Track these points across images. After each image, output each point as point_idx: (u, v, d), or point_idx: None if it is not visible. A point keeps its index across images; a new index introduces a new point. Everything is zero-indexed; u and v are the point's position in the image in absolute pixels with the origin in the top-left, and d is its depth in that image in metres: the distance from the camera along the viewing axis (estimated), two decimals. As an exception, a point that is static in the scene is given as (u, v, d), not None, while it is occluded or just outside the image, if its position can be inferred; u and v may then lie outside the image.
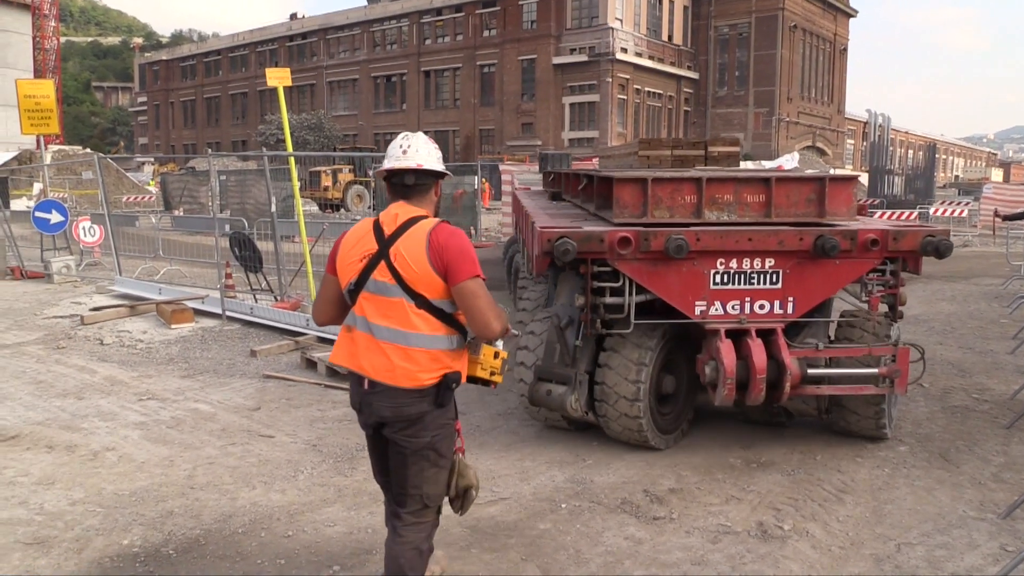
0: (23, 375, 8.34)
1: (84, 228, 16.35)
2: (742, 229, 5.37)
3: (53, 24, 70.89)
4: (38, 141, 26.87)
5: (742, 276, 5.47)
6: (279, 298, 11.70)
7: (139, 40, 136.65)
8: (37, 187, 30.90)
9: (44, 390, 7.75)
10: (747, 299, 5.47)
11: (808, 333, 5.75)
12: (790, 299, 5.48)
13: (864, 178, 38.83)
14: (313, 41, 76.75)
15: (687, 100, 67.97)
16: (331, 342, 9.50)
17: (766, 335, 5.48)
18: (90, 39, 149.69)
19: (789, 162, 42.91)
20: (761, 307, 5.49)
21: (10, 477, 5.55)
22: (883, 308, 5.81)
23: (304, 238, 11.11)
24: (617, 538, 4.59)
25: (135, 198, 36.90)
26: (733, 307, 5.48)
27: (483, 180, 26.44)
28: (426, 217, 3.32)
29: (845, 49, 77.15)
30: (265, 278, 12.11)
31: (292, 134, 11.83)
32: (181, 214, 27.72)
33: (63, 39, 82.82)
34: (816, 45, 71.37)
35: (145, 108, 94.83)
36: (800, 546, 4.48)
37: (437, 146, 3.55)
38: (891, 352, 5.53)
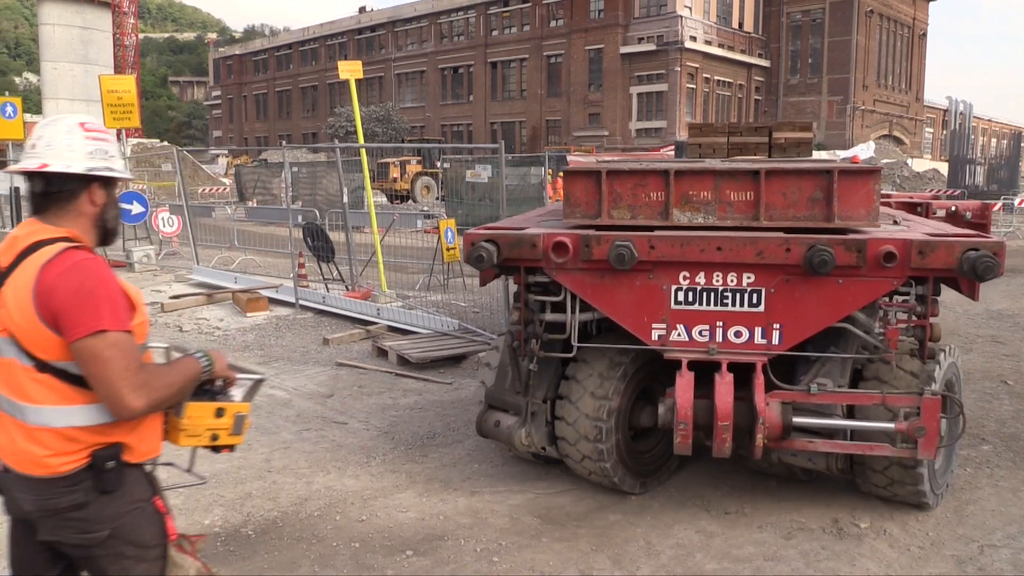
0: (108, 360, 8.67)
1: (163, 218, 16.90)
2: (712, 235, 4.37)
3: (132, 21, 73.33)
4: (118, 134, 27.85)
5: (712, 295, 4.42)
6: (350, 287, 11.92)
7: (213, 35, 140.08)
8: (119, 179, 31.93)
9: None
10: (719, 324, 4.44)
11: (819, 372, 4.54)
12: (775, 326, 4.37)
13: (944, 168, 37.56)
14: (381, 34, 77.58)
15: (758, 89, 66.62)
16: (402, 331, 9.64)
17: (745, 371, 4.41)
18: (167, 35, 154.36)
19: (864, 152, 41.80)
20: (737, 335, 4.43)
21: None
22: (909, 344, 4.64)
23: (375, 228, 11.30)
24: (688, 531, 4.56)
25: (210, 189, 37.96)
26: (701, 333, 4.47)
27: (548, 171, 26.39)
28: (60, 241, 2.30)
29: (924, 34, 74.52)
30: (337, 268, 12.34)
31: (361, 126, 12.02)
32: (255, 205, 28.43)
33: (141, 35, 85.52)
34: (893, 30, 69.12)
35: (219, 102, 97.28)
36: (877, 545, 4.38)
37: (104, 133, 2.46)
38: (914, 403, 4.23)
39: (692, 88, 59.67)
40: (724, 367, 4.39)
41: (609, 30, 60.43)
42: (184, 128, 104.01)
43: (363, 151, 11.57)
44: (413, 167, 33.57)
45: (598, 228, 4.60)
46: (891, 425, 4.25)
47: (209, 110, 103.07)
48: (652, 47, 58.43)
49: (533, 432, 4.87)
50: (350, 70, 10.66)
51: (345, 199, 12.02)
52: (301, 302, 11.21)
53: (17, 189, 17.87)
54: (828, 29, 63.44)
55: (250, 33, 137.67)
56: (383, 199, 31.40)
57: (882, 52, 67.43)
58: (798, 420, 4.36)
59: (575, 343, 4.69)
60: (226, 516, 4.79)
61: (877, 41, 66.17)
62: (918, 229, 4.72)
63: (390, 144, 49.54)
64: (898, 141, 67.98)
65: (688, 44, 58.09)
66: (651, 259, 4.40)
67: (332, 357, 8.67)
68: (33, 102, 71.19)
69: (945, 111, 59.28)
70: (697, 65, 59.59)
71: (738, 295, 4.40)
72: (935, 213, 6.88)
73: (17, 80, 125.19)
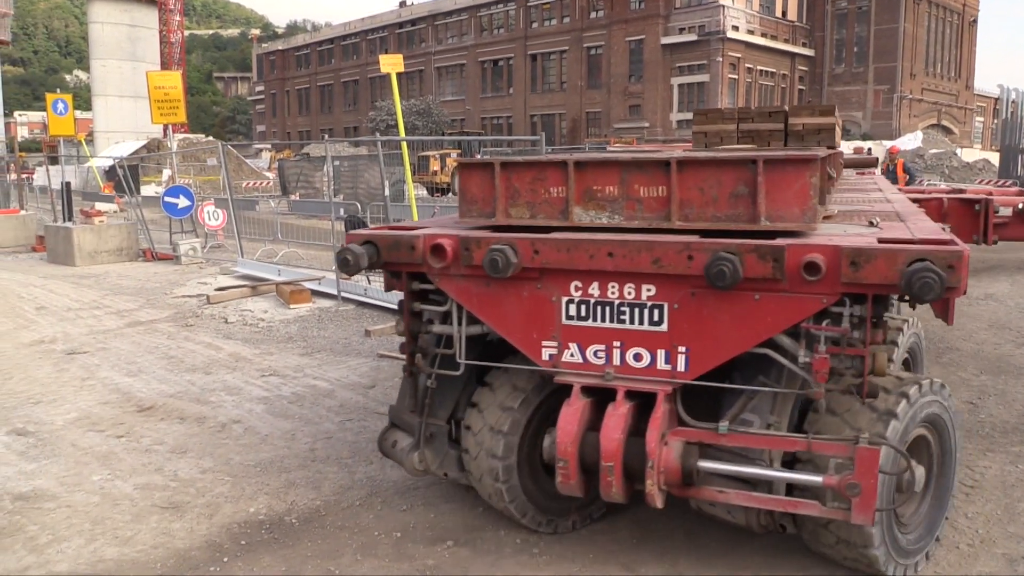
0: (156, 350, 8.86)
1: (208, 212, 17.18)
2: (604, 238, 3.71)
3: (178, 19, 74.61)
4: (165, 130, 28.42)
5: (608, 309, 3.78)
6: (391, 280, 12.00)
7: (256, 31, 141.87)
8: (166, 173, 32.62)
9: (175, 365, 8.21)
10: (616, 344, 3.80)
11: (745, 407, 3.78)
12: (680, 350, 3.67)
13: (994, 158, 36.62)
14: (421, 28, 77.85)
15: (801, 79, 65.57)
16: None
17: (646, 400, 3.76)
18: (211, 32, 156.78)
19: (911, 142, 40.99)
20: (637, 358, 3.77)
21: (147, 445, 5.92)
22: (850, 378, 3.60)
23: (416, 221, 11.35)
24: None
25: (254, 183, 38.51)
26: (596, 354, 3.84)
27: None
28: None
29: (975, 21, 72.66)
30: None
31: (402, 120, 12.09)
32: (297, 198, 28.78)
33: (186, 32, 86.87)
34: (943, 17, 67.51)
35: (263, 97, 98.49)
36: (925, 541, 4.30)
37: None
38: (846, 453, 3.38)
39: (734, 78, 58.94)
40: (620, 396, 3.77)
41: (650, 20, 59.93)
42: (228, 123, 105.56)
43: (404, 144, 11.64)
44: (453, 160, 33.69)
45: (495, 229, 4.08)
46: (818, 479, 3.44)
47: (252, 105, 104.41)
48: (693, 37, 57.83)
49: (429, 456, 4.44)
50: (391, 64, 10.73)
51: (386, 192, 12.11)
52: (343, 294, 11.32)
53: (68, 184, 18.31)
54: (875, 16, 62.18)
55: (292, 29, 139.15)
56: (424, 192, 31.57)
57: (931, 39, 65.91)
58: (705, 465, 3.67)
59: (461, 359, 4.19)
60: (270, 504, 4.86)
61: (925, 28, 64.70)
62: (894, 232, 3.73)
63: (431, 137, 49.75)
64: (947, 131, 66.40)
65: (730, 34, 57.40)
66: (536, 265, 3.81)
67: (374, 348, 8.75)
68: (83, 99, 72.81)
69: (996, 99, 57.67)
70: (739, 55, 58.84)
71: (636, 311, 3.73)
72: (997, 212, 6.42)
73: (68, 77, 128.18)
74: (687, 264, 3.50)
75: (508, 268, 3.75)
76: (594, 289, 3.80)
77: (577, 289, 3.83)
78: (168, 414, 6.64)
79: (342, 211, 13.83)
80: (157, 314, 10.97)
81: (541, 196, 4.01)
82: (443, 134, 53.79)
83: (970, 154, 44.52)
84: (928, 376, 3.84)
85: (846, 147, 31.65)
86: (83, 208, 20.49)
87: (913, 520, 3.98)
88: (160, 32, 72.19)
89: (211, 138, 59.72)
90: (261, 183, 38.78)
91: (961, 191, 7.20)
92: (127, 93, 67.43)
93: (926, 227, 3.88)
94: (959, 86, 71.28)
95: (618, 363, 3.81)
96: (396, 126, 11.85)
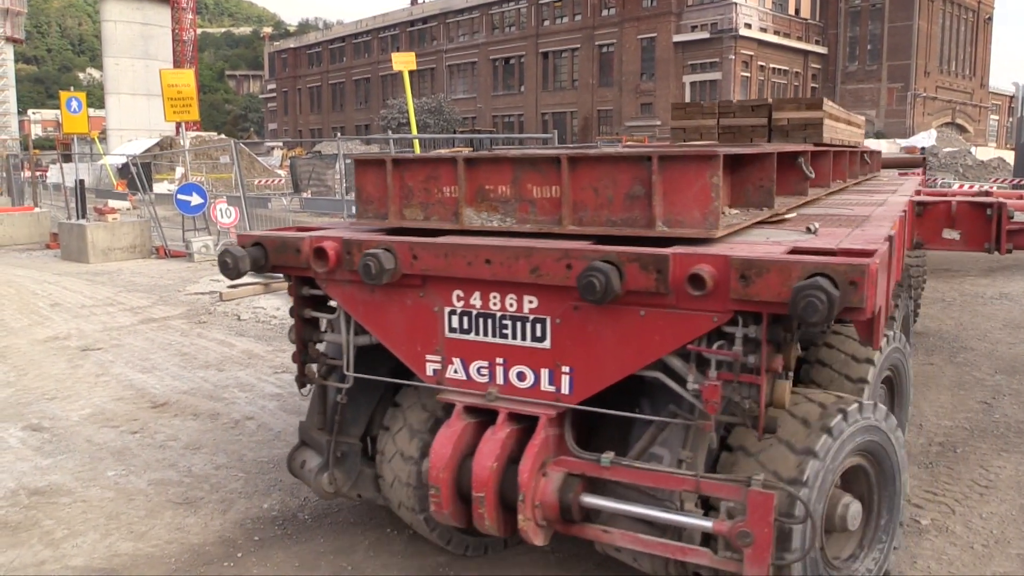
0: (169, 347, 8.91)
1: (221, 209, 17.22)
2: (482, 244, 3.37)
3: (190, 17, 74.89)
4: (177, 128, 28.60)
5: (490, 322, 3.45)
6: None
7: (268, 29, 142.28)
8: (179, 171, 32.75)
9: (188, 361, 8.25)
10: (499, 361, 3.47)
11: (655, 438, 3.35)
12: (564, 369, 3.32)
13: (1009, 156, 36.37)
14: (433, 26, 77.89)
15: (814, 76, 65.27)
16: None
17: (530, 424, 3.40)
18: (223, 30, 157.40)
19: (925, 140, 40.76)
20: (520, 377, 3.43)
21: (161, 441, 5.96)
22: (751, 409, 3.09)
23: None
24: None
25: (266, 181, 38.59)
26: (480, 371, 3.52)
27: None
28: None
29: (990, 18, 72.18)
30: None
31: (414, 117, 12.10)
32: (309, 196, 28.83)
33: (199, 31, 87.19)
34: (957, 15, 67.07)
35: (274, 95, 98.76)
36: (939, 542, 4.28)
37: None
38: (738, 496, 2.99)
39: (746, 76, 58.75)
40: (501, 418, 3.43)
41: (662, 18, 59.79)
42: (240, 121, 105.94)
43: (416, 142, 11.67)
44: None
45: (390, 231, 3.84)
46: (708, 524, 3.04)
47: (264, 103, 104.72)
48: (706, 35, 57.67)
49: (340, 477, 4.14)
50: (404, 61, 10.75)
51: (398, 190, 12.13)
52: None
53: (82, 181, 18.40)
54: (888, 14, 61.85)
55: (304, 27, 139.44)
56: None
57: (945, 37, 65.50)
58: (588, 500, 3.31)
59: (349, 372, 3.93)
60: (284, 500, 4.88)
61: (940, 26, 64.29)
62: (823, 241, 3.26)
63: (442, 135, 49.77)
64: (961, 129, 66.00)
65: (743, 31, 57.21)
66: (416, 272, 3.51)
67: (385, 346, 8.77)
68: (96, 97, 73.23)
69: (1011, 97, 57.37)
70: (752, 53, 58.63)
71: (519, 325, 3.39)
72: (1012, 218, 5.70)
73: (81, 76, 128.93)
74: (566, 274, 3.13)
75: (383, 274, 3.44)
76: (476, 299, 3.47)
77: (459, 299, 3.51)
78: (182, 410, 6.67)
79: (354, 209, 13.86)
80: (170, 311, 11.03)
81: (434, 196, 3.73)
82: (454, 132, 53.81)
83: (985, 152, 44.21)
84: (857, 400, 3.42)
85: (873, 144, 31.39)
86: (96, 205, 20.61)
87: (850, 562, 3.53)
88: (172, 30, 72.50)
89: (223, 136, 59.94)
90: (273, 181, 38.85)
91: (987, 193, 6.61)
92: (140, 91, 67.79)
93: (871, 235, 3.41)
94: (974, 84, 70.80)
95: (501, 382, 3.48)
96: (408, 124, 11.88)
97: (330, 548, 4.30)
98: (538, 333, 3.35)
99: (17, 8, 78.02)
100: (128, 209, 26.75)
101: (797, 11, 63.76)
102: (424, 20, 78.98)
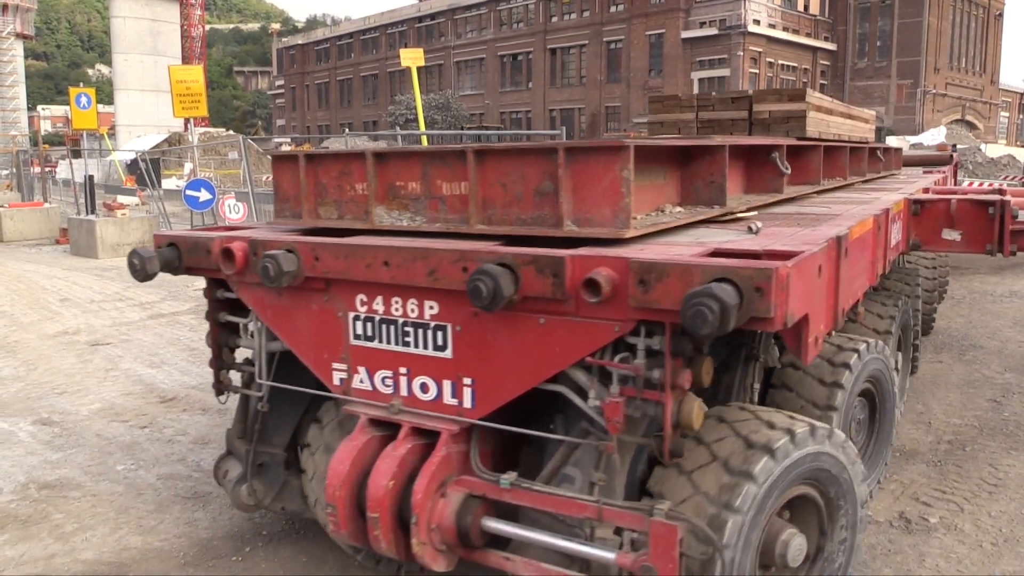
0: (178, 342, 8.94)
1: (229, 205, 17.26)
2: (383, 244, 3.13)
3: (199, 13, 75.08)
4: (186, 124, 28.67)
5: (392, 328, 3.21)
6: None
7: (276, 26, 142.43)
8: (188, 167, 32.83)
9: (197, 357, 8.28)
10: (402, 370, 3.22)
11: (568, 458, 3.05)
12: (466, 381, 3.07)
13: (1020, 153, 36.19)
14: (441, 22, 77.85)
15: (823, 73, 65.01)
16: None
17: (434, 440, 3.15)
18: (232, 26, 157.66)
19: (934, 137, 40.54)
20: (424, 389, 3.18)
21: (169, 436, 5.98)
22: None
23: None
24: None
25: (274, 177, 38.62)
26: (385, 381, 3.28)
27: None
28: None
29: (1001, 15, 71.74)
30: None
31: (422, 113, 12.12)
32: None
33: (207, 27, 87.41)
34: (968, 11, 66.68)
35: (282, 91, 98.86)
36: (947, 541, 4.27)
37: None
38: (641, 525, 2.69)
39: (755, 73, 58.56)
40: (403, 433, 3.18)
41: (670, 15, 59.62)
42: (248, 117, 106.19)
43: (423, 138, 11.66)
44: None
45: (306, 232, 3.66)
46: (610, 555, 2.75)
47: (272, 99, 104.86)
48: (714, 31, 57.50)
49: (260, 488, 3.96)
50: (412, 57, 10.74)
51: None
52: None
53: (91, 177, 18.47)
54: (898, 10, 61.51)
55: (312, 23, 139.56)
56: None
57: (955, 33, 65.15)
58: (489, 525, 3.06)
59: (262, 380, 3.75)
60: (292, 496, 4.89)
61: (950, 22, 63.94)
62: (756, 243, 2.97)
63: (450, 131, 49.79)
64: (971, 126, 65.65)
65: (751, 28, 57.01)
66: (319, 275, 3.28)
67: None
68: (105, 93, 73.53)
69: (1022, 94, 57.01)
70: (760, 49, 58.43)
71: (420, 332, 3.14)
72: (1016, 217, 5.29)
73: (90, 72, 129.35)
74: (463, 277, 2.84)
75: (281, 277, 3.23)
76: (379, 304, 3.22)
77: (363, 304, 3.27)
78: (191, 405, 6.70)
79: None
80: (179, 306, 11.06)
81: (347, 194, 3.52)
82: (462, 128, 53.83)
83: (995, 149, 43.95)
84: (805, 419, 3.11)
85: (894, 141, 31.27)
86: (106, 201, 20.68)
87: None
88: (181, 26, 72.71)
89: (232, 132, 60.10)
90: (281, 177, 38.94)
91: (1001, 192, 6.02)
92: (148, 87, 67.95)
93: (814, 236, 3.12)
94: (984, 81, 70.42)
95: (405, 393, 3.22)
96: (415, 120, 11.89)
97: (337, 544, 4.31)
98: (439, 341, 3.10)
99: (27, 4, 78.31)
100: (137, 205, 26.83)
101: (806, 7, 63.49)
102: (432, 16, 78.93)
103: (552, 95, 68.36)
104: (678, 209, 3.53)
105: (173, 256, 3.69)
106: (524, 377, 2.95)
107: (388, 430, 3.27)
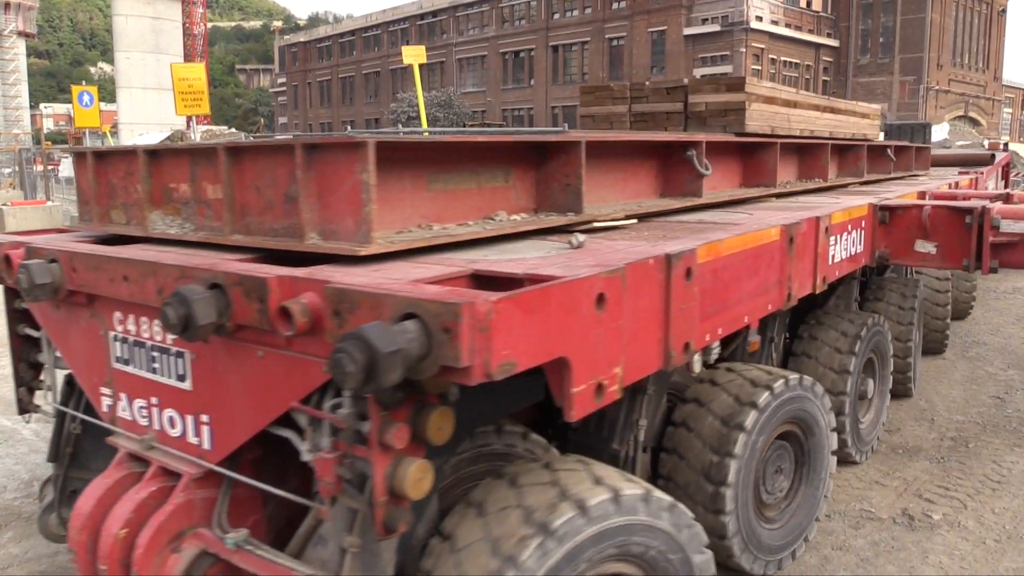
0: None
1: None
2: (130, 257, 2.77)
3: (201, 11, 75.02)
4: (188, 122, 28.67)
5: (143, 352, 2.84)
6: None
7: (279, 24, 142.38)
8: (189, 165, 32.86)
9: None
10: (154, 400, 2.86)
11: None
12: (203, 419, 2.70)
13: (1023, 150, 36.11)
14: (443, 19, 77.80)
15: (826, 69, 64.92)
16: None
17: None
18: (234, 24, 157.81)
19: (937, 134, 40.43)
20: (171, 423, 2.81)
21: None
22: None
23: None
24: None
25: (276, 175, 38.67)
26: (142, 412, 2.92)
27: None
28: None
29: (1004, 11, 71.59)
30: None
31: (424, 111, 12.12)
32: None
33: (209, 25, 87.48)
34: (971, 7, 66.54)
35: (284, 89, 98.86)
36: (950, 537, 4.27)
37: None
38: None
39: (757, 69, 58.49)
40: (150, 473, 2.80)
41: (672, 11, 59.57)
42: (251, 115, 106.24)
43: (426, 136, 11.67)
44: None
45: (98, 240, 3.32)
46: None
47: (274, 97, 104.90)
48: (716, 28, 57.45)
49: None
50: (414, 55, 10.74)
51: (408, 184, 12.13)
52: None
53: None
54: (901, 7, 61.42)
55: (314, 21, 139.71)
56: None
57: (958, 30, 65.06)
58: None
59: (52, 403, 3.45)
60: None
61: (953, 18, 63.86)
62: (548, 264, 2.47)
63: (452, 129, 49.78)
64: (974, 122, 65.56)
65: (754, 24, 56.96)
66: (76, 288, 2.92)
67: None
68: (108, 91, 73.57)
69: (1025, 90, 56.90)
70: (763, 46, 58.38)
71: (164, 358, 2.76)
72: (998, 228, 4.42)
73: (92, 70, 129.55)
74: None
75: (34, 290, 2.90)
76: (131, 324, 2.86)
77: (120, 322, 2.91)
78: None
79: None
80: None
81: (132, 196, 3.16)
82: (464, 126, 53.84)
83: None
84: (640, 483, 2.59)
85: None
86: (108, 199, 20.67)
87: None
88: (183, 24, 72.61)
89: (234, 130, 60.07)
90: (283, 175, 38.98)
91: (1007, 196, 5.44)
92: (151, 85, 67.81)
93: (650, 251, 2.70)
94: (987, 77, 70.29)
95: (158, 427, 2.85)
96: (418, 118, 11.89)
97: (341, 540, 4.31)
98: (180, 370, 2.73)
99: (29, 3, 78.34)
100: (139, 203, 26.85)
101: (808, 4, 63.40)
102: (434, 14, 78.90)
103: (554, 92, 68.31)
104: (516, 217, 3.07)
105: None
106: (253, 419, 2.54)
107: (146, 467, 2.88)
